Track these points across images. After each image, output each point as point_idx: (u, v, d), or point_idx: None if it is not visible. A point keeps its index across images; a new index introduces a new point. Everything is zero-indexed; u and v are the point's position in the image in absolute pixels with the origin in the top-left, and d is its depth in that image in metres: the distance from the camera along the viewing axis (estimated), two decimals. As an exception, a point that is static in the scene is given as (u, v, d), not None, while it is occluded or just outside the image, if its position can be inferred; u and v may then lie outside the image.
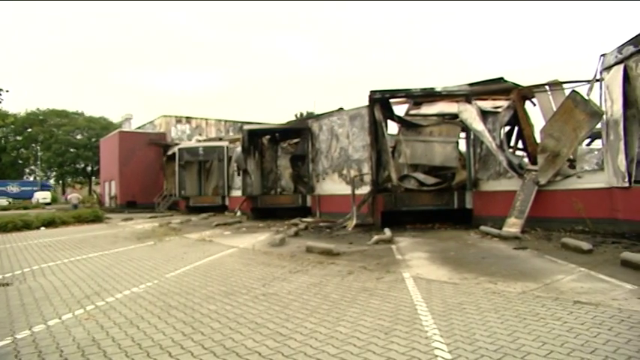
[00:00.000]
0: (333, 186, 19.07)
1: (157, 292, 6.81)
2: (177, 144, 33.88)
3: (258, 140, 22.87)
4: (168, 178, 34.44)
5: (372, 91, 15.13)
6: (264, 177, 23.25)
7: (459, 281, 6.84)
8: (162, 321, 5.23)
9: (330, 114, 19.97)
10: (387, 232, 12.49)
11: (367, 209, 15.09)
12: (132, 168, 36.92)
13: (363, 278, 7.34)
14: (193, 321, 5.19)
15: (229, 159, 27.54)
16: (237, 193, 25.16)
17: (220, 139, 32.60)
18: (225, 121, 43.69)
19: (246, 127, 22.85)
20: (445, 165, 15.39)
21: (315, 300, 6.00)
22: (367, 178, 15.99)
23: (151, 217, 25.50)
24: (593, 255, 8.58)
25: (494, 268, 7.74)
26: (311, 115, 27.47)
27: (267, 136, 23.65)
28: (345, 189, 17.26)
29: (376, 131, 15.13)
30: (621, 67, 11.31)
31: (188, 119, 41.28)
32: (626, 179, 11.03)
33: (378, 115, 15.04)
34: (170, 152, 33.56)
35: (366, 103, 15.46)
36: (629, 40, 11.09)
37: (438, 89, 15.32)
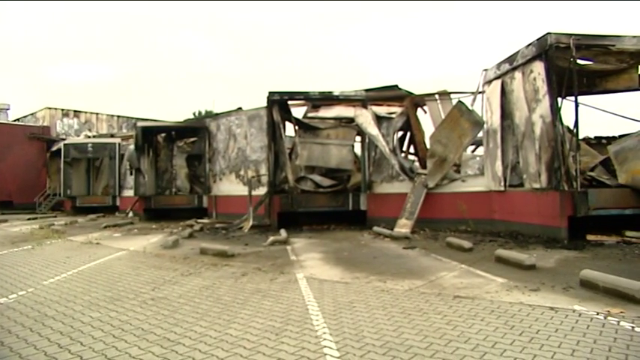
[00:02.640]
0: (230, 187, 18.77)
1: (31, 301, 6.20)
2: (63, 139, 31.36)
3: (153, 138, 21.88)
4: (53, 176, 31.76)
5: (270, 93, 15.12)
6: (158, 176, 22.28)
7: (350, 280, 7.02)
8: (34, 333, 4.76)
9: (228, 114, 19.64)
10: (283, 233, 12.53)
11: (264, 210, 15.03)
12: (8, 164, 33.51)
13: (256, 280, 7.27)
14: (72, 331, 4.79)
15: (121, 157, 26.03)
16: (129, 193, 23.87)
17: (112, 136, 30.71)
18: (119, 116, 41.13)
19: (140, 124, 21.78)
20: (341, 167, 15.77)
21: (207, 303, 5.83)
22: (264, 179, 15.94)
23: (30, 219, 23.33)
24: (473, 253, 9.25)
25: (385, 267, 8.05)
26: (209, 114, 26.83)
27: (163, 134, 22.71)
28: (242, 190, 17.06)
29: (274, 132, 15.14)
30: (499, 82, 12.34)
31: (76, 113, 38.38)
32: (502, 183, 12.06)
33: (277, 116, 15.07)
34: (55, 148, 30.96)
35: (265, 104, 15.43)
36: (505, 59, 12.11)
37: (336, 93, 15.67)
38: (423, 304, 5.53)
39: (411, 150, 17.03)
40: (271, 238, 11.53)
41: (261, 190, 15.79)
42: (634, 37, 10.65)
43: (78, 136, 34.42)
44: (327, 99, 15.82)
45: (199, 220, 17.17)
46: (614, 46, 10.69)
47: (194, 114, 46.53)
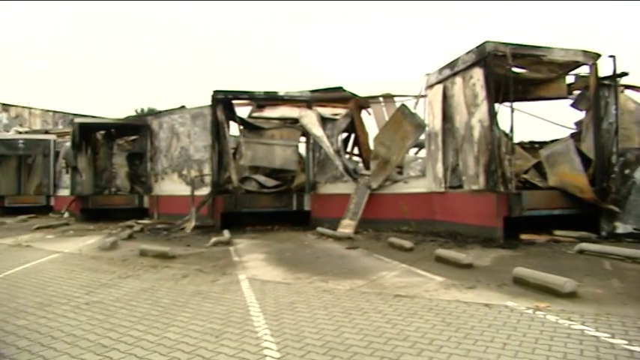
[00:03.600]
0: (172, 186, 18.29)
1: (-52, 307, 5.80)
2: (-11, 135, 29.50)
3: (92, 135, 20.98)
4: (-23, 175, 29.80)
5: (215, 91, 14.88)
6: (97, 175, 21.37)
7: (292, 281, 7.01)
8: (-51, 344, 4.45)
9: (171, 112, 19.13)
10: (226, 233, 12.35)
11: (207, 211, 14.76)
12: None
13: (197, 281, 7.13)
14: (-7, 341, 4.51)
15: (57, 154, 24.78)
16: (65, 192, 22.76)
17: (47, 132, 29.14)
18: (55, 112, 39.04)
19: (77, 120, 20.77)
20: (285, 168, 15.74)
21: (145, 306, 5.65)
22: (208, 179, 15.65)
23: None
24: (414, 252, 9.46)
25: (327, 267, 8.10)
26: (152, 112, 26.07)
27: (102, 132, 21.82)
28: (185, 190, 16.66)
29: (218, 132, 14.91)
30: (441, 86, 12.70)
31: (5, 107, 36.19)
32: (443, 185, 12.44)
33: (221, 115, 14.84)
34: (-20, 144, 29.06)
35: (209, 102, 15.17)
36: (447, 64, 12.48)
37: (281, 93, 15.62)
38: (363, 303, 5.60)
39: (355, 151, 17.24)
40: (214, 239, 11.34)
41: (205, 190, 15.49)
42: (562, 49, 11.25)
43: (7, 131, 32.47)
44: (272, 99, 15.75)
45: (140, 221, 16.64)
46: (545, 56, 11.25)
47: (136, 111, 45.09)
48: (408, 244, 9.81)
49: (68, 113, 38.61)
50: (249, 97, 15.65)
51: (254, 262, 8.77)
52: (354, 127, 15.72)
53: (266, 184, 15.35)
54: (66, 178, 22.69)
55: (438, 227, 12.31)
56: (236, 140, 16.67)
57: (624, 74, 11.69)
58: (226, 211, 14.62)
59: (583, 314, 4.95)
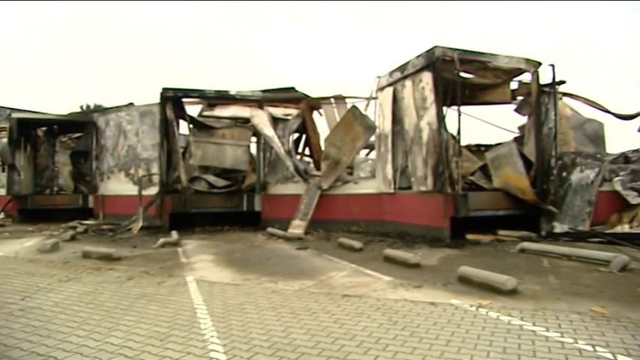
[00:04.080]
0: (119, 186, 17.73)
1: None
2: None
3: (32, 132, 20.01)
4: None
5: (164, 89, 14.56)
6: (37, 174, 20.40)
7: (241, 282, 6.93)
8: None
9: (118, 109, 18.53)
10: (175, 234, 12.09)
11: (155, 211, 14.40)
12: None
13: (143, 283, 6.93)
14: None
15: (-8, 151, 23.50)
16: (1, 191, 21.64)
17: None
18: (-11, 105, 37.02)
19: (16, 115, 19.75)
20: (236, 168, 15.57)
21: (86, 311, 5.43)
22: (156, 179, 15.28)
23: None
24: (363, 252, 9.56)
25: (277, 268, 8.06)
26: (98, 109, 25.14)
27: (44, 128, 20.86)
28: (132, 189, 16.18)
29: (167, 130, 14.58)
30: (391, 89, 12.91)
31: None
32: (392, 186, 12.65)
33: (170, 113, 14.53)
34: None
35: (159, 100, 14.81)
36: (397, 68, 12.71)
37: (232, 93, 15.45)
38: (312, 303, 5.61)
39: (307, 152, 17.27)
40: (161, 240, 11.08)
41: (153, 190, 15.11)
42: (507, 56, 11.68)
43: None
44: (223, 98, 15.55)
45: (84, 222, 16.04)
46: (490, 62, 11.65)
47: (81, 107, 43.36)
48: (357, 244, 9.92)
49: (5, 107, 36.62)
50: (200, 95, 15.40)
51: (202, 264, 8.62)
52: (305, 127, 15.75)
53: (216, 184, 15.14)
54: (2, 177, 21.53)
55: (387, 227, 12.51)
56: (186, 139, 16.35)
57: (562, 82, 12.31)
58: (175, 212, 14.31)
59: (522, 310, 5.15)
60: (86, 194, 19.04)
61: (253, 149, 16.01)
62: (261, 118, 14.79)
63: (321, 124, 16.27)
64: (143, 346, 4.20)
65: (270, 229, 12.89)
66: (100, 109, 21.86)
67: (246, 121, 15.57)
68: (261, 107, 15.14)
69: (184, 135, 16.49)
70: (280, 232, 12.33)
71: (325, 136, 14.52)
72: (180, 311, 5.32)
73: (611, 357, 3.86)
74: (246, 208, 14.90)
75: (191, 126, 15.78)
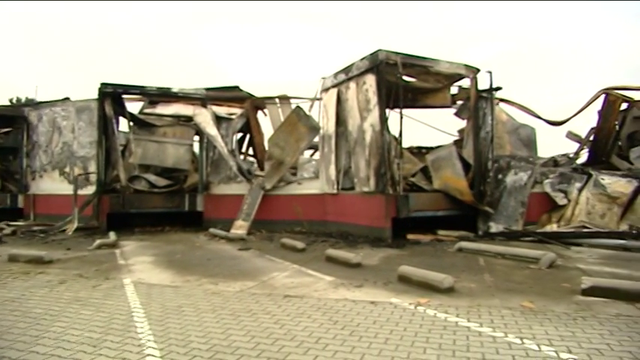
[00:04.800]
0: (52, 185, 16.87)
1: None
2: None
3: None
4: None
5: (102, 84, 14.02)
6: (-41, 171, 19.12)
7: (181, 284, 6.78)
8: None
9: (53, 103, 17.61)
10: (112, 235, 11.67)
11: (91, 211, 13.83)
12: None
13: (76, 287, 6.63)
14: None
15: None
16: None
17: None
18: None
19: None
20: (178, 167, 15.23)
21: (10, 318, 5.10)
22: (93, 178, 14.67)
23: None
24: (305, 253, 9.59)
25: (218, 269, 7.94)
26: (30, 102, 23.81)
27: (-35, 122, 19.55)
28: (66, 188, 15.44)
29: (106, 127, 14.05)
30: (336, 90, 13.02)
31: None
32: (335, 187, 12.76)
33: (109, 110, 14.01)
34: None
35: (97, 95, 14.24)
36: (342, 69, 12.83)
37: (175, 90, 15.10)
38: (253, 304, 5.57)
39: (250, 152, 17.13)
40: (98, 242, 10.65)
41: (89, 190, 14.50)
42: (447, 62, 12.06)
43: None
44: (165, 95, 15.17)
45: (12, 223, 15.15)
46: (432, 67, 11.99)
47: (10, 100, 40.97)
48: (300, 244, 9.94)
49: None
50: (141, 92, 14.94)
51: (141, 265, 8.36)
52: (249, 127, 15.63)
53: (157, 184, 14.74)
54: None
55: (330, 228, 12.61)
56: (125, 137, 15.81)
57: (499, 88, 12.81)
58: (113, 212, 13.81)
59: (458, 307, 5.33)
60: (15, 193, 17.98)
61: (196, 148, 15.72)
62: (204, 117, 14.53)
63: (266, 124, 16.23)
64: (74, 354, 4.01)
65: (212, 230, 12.69)
66: (33, 103, 20.71)
67: (188, 119, 15.27)
68: (204, 106, 14.89)
69: (124, 132, 15.94)
70: (222, 233, 12.17)
71: (269, 136, 14.46)
72: (115, 315, 5.13)
73: (536, 348, 4.08)
74: (188, 209, 14.60)
75: (131, 123, 15.29)
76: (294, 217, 13.24)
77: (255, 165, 15.75)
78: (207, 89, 15.38)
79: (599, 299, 5.54)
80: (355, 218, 11.99)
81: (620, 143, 14.56)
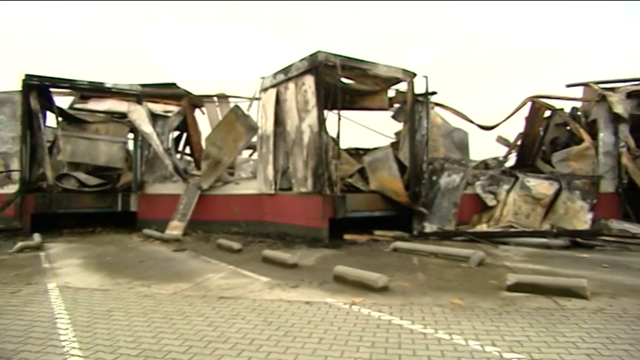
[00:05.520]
0: (-31, 183, 15.76)
1: None
2: None
3: None
4: None
5: (27, 76, 13.21)
6: None
7: (111, 287, 6.51)
8: None
9: (-31, 95, 16.47)
10: (37, 237, 11.02)
11: (14, 212, 12.99)
12: None
13: (-8, 294, 6.21)
14: None
15: None
16: None
17: None
18: None
19: None
20: (110, 165, 14.61)
21: None
22: (16, 176, 13.80)
23: None
24: (242, 254, 9.48)
25: (152, 271, 7.71)
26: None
27: None
28: (-14, 187, 14.48)
29: (31, 122, 13.25)
30: (275, 90, 12.97)
31: None
32: (273, 187, 12.72)
33: (35, 104, 13.22)
34: None
35: (20, 87, 13.40)
36: (281, 70, 12.79)
37: (108, 85, 14.52)
38: (186, 307, 5.44)
39: (187, 151, 16.77)
40: (20, 244, 10.01)
41: (12, 189, 13.63)
42: (386, 65, 12.30)
43: None
44: (98, 90, 14.54)
45: None
46: (370, 70, 12.19)
47: None
48: (236, 245, 9.82)
49: None
50: (71, 86, 14.24)
51: (68, 269, 7.95)
52: (186, 125, 15.28)
53: (87, 183, 14.08)
54: None
55: (267, 228, 12.54)
56: (53, 133, 14.99)
57: (434, 93, 13.26)
58: (38, 212, 13.04)
59: (391, 306, 5.45)
60: None
61: (131, 146, 15.17)
62: (139, 114, 14.06)
63: (203, 122, 15.93)
64: (-16, 367, 3.76)
65: (146, 231, 12.29)
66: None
67: (123, 116, 14.70)
68: (139, 102, 14.40)
69: (52, 128, 15.12)
70: (157, 234, 11.81)
71: (207, 135, 14.19)
72: (36, 323, 4.84)
73: (464, 342, 4.25)
74: (121, 209, 14.05)
75: (60, 119, 14.51)
76: (231, 218, 13.06)
77: (192, 164, 15.41)
78: (143, 85, 14.90)
79: (522, 294, 5.86)
80: (293, 219, 11.99)
81: (544, 148, 15.42)
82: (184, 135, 16.45)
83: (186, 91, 15.43)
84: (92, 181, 14.26)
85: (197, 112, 15.99)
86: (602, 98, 13.02)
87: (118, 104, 14.82)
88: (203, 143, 14.94)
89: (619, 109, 12.58)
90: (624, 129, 12.64)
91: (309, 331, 4.57)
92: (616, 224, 11.53)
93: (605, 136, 12.78)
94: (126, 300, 5.79)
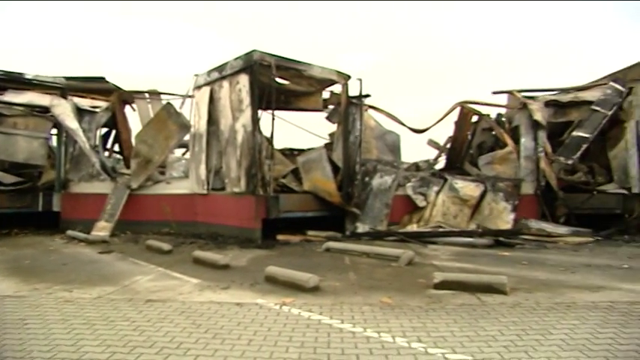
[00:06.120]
0: None
1: None
2: None
3: None
4: None
5: None
6: None
7: (27, 293, 6.12)
8: None
9: None
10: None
11: None
12: None
13: None
14: None
15: None
16: None
17: None
18: None
19: None
20: (30, 162, 13.71)
21: None
22: None
23: None
24: (172, 255, 9.24)
25: (75, 274, 7.34)
26: None
27: None
28: None
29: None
30: (209, 88, 12.72)
31: None
32: (206, 187, 12.49)
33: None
34: None
35: None
36: (216, 67, 12.57)
37: (28, 76, 13.72)
38: (111, 311, 5.23)
39: (117, 148, 16.13)
40: None
41: None
42: (320, 67, 12.38)
43: None
44: (16, 81, 13.66)
45: None
46: (305, 71, 12.23)
47: None
48: (166, 246, 9.56)
49: None
50: (-18, 75, 13.28)
51: (-23, 274, 7.41)
52: (115, 122, 14.67)
53: (3, 181, 13.18)
54: None
55: (199, 229, 12.29)
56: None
57: (368, 96, 13.50)
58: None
59: (322, 305, 5.50)
60: None
61: (54, 142, 14.35)
62: (63, 109, 13.32)
63: (134, 119, 15.37)
64: None
65: (70, 232, 11.69)
66: None
67: (45, 110, 13.86)
68: (64, 96, 13.66)
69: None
70: (82, 235, 11.26)
71: (137, 133, 13.70)
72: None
73: (391, 340, 4.37)
74: (43, 209, 13.27)
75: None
76: (162, 218, 12.67)
77: (122, 162, 14.83)
78: (68, 78, 14.19)
79: (448, 292, 6.09)
80: (225, 219, 11.82)
81: (471, 151, 16.12)
82: (113, 132, 15.79)
83: (115, 85, 14.82)
84: (8, 178, 13.37)
85: (127, 108, 15.39)
86: (524, 106, 13.76)
87: (39, 97, 13.95)
88: (133, 141, 14.42)
89: (538, 116, 13.34)
90: (542, 135, 13.40)
91: (239, 332, 4.53)
92: (534, 224, 12.23)
93: (526, 141, 13.51)
94: (44, 306, 5.47)
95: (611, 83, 13.60)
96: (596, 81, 15.16)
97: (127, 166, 13.80)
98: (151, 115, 14.82)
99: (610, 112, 13.01)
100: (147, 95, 15.85)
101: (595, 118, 13.10)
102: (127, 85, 15.14)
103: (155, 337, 4.39)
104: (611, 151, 13.59)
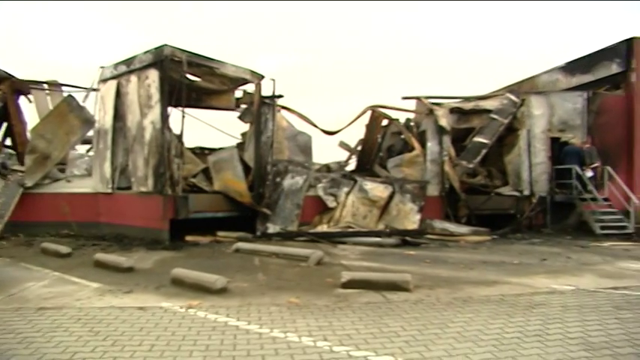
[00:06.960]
0: None
1: None
2: None
3: None
4: None
5: None
6: None
7: None
8: None
9: None
10: None
11: None
12: None
13: None
14: None
15: None
16: None
17: None
18: None
19: None
20: None
21: None
22: None
23: None
24: (71, 258, 8.70)
25: (-47, 282, 6.66)
26: None
27: None
28: None
29: None
30: (115, 82, 12.15)
31: None
32: (110, 186, 11.89)
33: None
34: None
35: None
36: (123, 60, 12.02)
37: None
38: (-6, 323, 4.80)
39: (8, 142, 14.90)
40: None
41: None
42: (234, 65, 12.23)
43: None
44: None
45: None
46: (218, 69, 12.02)
47: None
48: (64, 249, 8.96)
49: None
50: None
51: None
52: (7, 113, 13.54)
53: None
54: None
55: (103, 230, 11.67)
56: None
57: (281, 96, 13.52)
58: None
59: (229, 307, 5.43)
60: None
61: None
62: (-56, 98, 12.10)
63: (30, 112, 14.28)
64: None
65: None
66: None
67: None
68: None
69: None
70: (-35, 238, 10.28)
71: (33, 126, 12.73)
72: None
73: (297, 339, 4.42)
74: None
75: None
76: (61, 219, 11.87)
77: (14, 158, 13.71)
78: (-50, 64, 12.89)
79: (355, 290, 6.26)
80: (131, 220, 11.33)
81: (381, 154, 16.70)
82: (4, 124, 14.55)
83: (7, 73, 13.67)
84: None
85: (22, 98, 14.26)
86: (430, 112, 14.49)
87: None
88: (28, 135, 13.39)
89: (443, 122, 14.11)
90: (447, 140, 14.19)
91: (140, 338, 4.36)
92: (438, 224, 12.92)
93: (432, 145, 14.22)
94: None
95: (508, 94, 14.74)
96: (495, 91, 16.35)
97: (21, 163, 12.79)
98: (50, 107, 13.86)
99: (506, 121, 14.11)
100: (45, 86, 14.80)
101: (493, 125, 14.12)
102: (21, 74, 14.03)
103: (44, 348, 4.09)
104: (506, 157, 14.74)
